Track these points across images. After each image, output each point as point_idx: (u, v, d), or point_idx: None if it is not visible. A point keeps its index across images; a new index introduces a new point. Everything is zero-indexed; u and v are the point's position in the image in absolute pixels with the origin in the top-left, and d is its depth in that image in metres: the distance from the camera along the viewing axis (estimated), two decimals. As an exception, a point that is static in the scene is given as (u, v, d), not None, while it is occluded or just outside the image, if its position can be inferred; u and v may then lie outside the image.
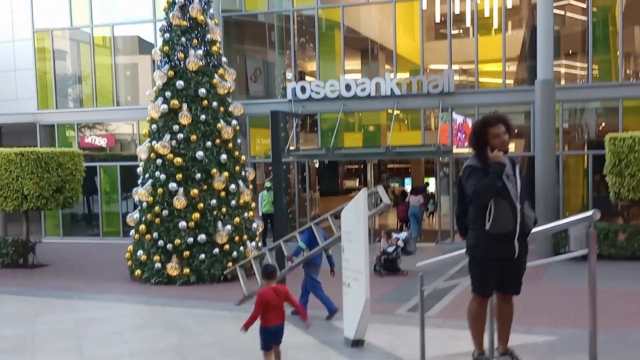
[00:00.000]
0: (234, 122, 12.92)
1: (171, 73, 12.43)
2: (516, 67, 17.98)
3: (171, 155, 12.09)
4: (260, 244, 13.11)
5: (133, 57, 20.87)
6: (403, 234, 12.62)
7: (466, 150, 17.30)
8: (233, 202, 12.38)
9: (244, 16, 19.19)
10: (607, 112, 16.79)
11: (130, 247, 12.62)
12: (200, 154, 12.09)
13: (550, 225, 4.70)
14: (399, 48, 17.35)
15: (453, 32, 17.00)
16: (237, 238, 12.26)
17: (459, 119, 16.98)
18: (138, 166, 13.07)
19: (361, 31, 19.11)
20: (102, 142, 20.10)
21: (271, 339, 5.55)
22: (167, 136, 12.16)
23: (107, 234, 19.61)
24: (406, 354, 6.67)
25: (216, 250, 11.92)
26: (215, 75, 12.69)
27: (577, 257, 4.56)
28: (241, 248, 12.26)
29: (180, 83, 12.29)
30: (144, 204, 12.31)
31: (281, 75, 19.22)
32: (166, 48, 12.57)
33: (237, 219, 12.31)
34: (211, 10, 13.08)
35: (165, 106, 12.30)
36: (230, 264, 11.80)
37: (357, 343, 7.16)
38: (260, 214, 16.29)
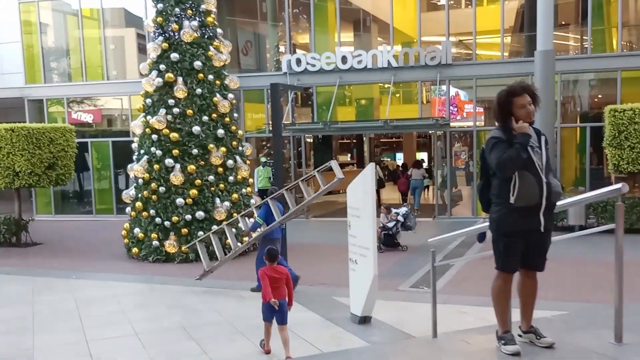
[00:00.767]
0: (230, 95, 12.64)
1: (165, 45, 12.09)
2: (513, 39, 17.75)
3: (167, 130, 11.82)
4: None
5: (120, 29, 20.36)
6: (402, 209, 12.50)
7: (461, 123, 17.17)
8: (231, 178, 12.18)
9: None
10: (605, 84, 16.65)
11: (127, 225, 12.41)
12: (196, 128, 11.83)
13: (578, 197, 4.56)
14: (395, 19, 17.02)
15: (450, 2, 16.67)
16: (235, 214, 12.06)
17: (451, 91, 16.80)
18: (131, 142, 12.78)
19: (357, 2, 18.72)
20: (88, 117, 19.70)
21: (272, 312, 5.90)
22: (163, 110, 11.88)
23: (100, 212, 19.34)
24: (415, 331, 6.59)
25: (215, 227, 11.71)
26: (211, 47, 12.36)
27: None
28: (240, 224, 12.06)
29: (175, 55, 11.96)
30: (140, 181, 12.06)
31: (274, 48, 18.85)
32: (160, 19, 12.20)
33: (235, 195, 12.12)
34: (205, -20, 12.67)
35: (159, 79, 11.98)
36: (228, 241, 11.62)
37: (365, 320, 7.07)
38: (257, 190, 16.11)
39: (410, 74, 16.55)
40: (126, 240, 12.35)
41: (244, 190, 12.47)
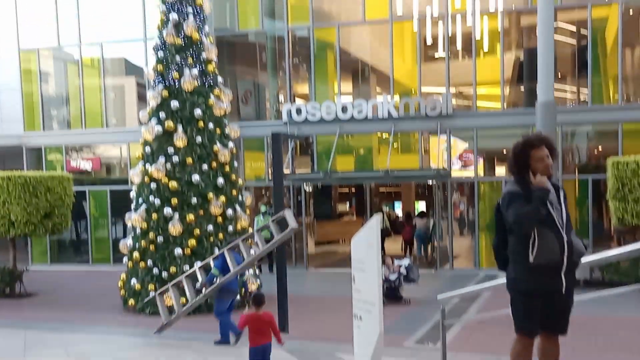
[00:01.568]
0: (231, 144, 12.55)
1: (165, 93, 12.04)
2: (513, 90, 17.85)
3: (166, 179, 11.66)
4: (257, 272, 12.65)
5: (120, 78, 20.49)
6: (405, 261, 12.23)
7: (465, 174, 17.07)
8: (230, 228, 11.95)
9: (236, 36, 18.92)
10: (606, 136, 16.64)
11: (123, 276, 12.10)
12: (196, 177, 11.67)
13: (604, 255, 4.35)
14: (395, 69, 17.14)
15: (450, 54, 16.82)
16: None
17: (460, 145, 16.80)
18: (129, 190, 12.60)
19: (357, 52, 18.90)
20: (87, 165, 19.58)
21: (258, 356, 6.17)
22: (162, 159, 11.74)
23: (97, 261, 18.96)
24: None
25: (213, 278, 11.42)
26: (211, 96, 12.33)
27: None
28: (239, 276, 11.76)
29: (175, 104, 11.90)
30: (138, 230, 11.83)
31: (274, 97, 18.93)
32: (160, 67, 12.20)
33: (234, 245, 11.85)
34: (206, 28, 12.74)
35: (159, 128, 11.89)
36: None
37: (371, 379, 6.72)
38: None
39: (410, 124, 16.55)
40: (122, 292, 12.01)
41: (243, 240, 12.20)
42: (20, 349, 8.82)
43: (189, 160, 11.75)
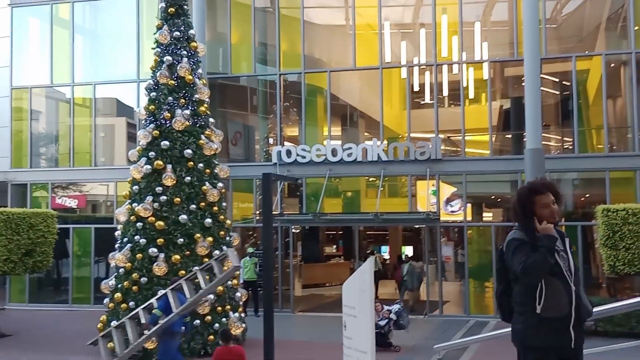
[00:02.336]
0: (220, 184, 12.43)
1: (156, 132, 11.98)
2: (501, 137, 18.04)
3: (153, 218, 11.48)
4: (243, 315, 12.36)
5: (111, 118, 20.48)
6: (395, 306, 11.99)
7: (454, 218, 17.03)
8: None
9: (228, 79, 19.06)
10: (593, 183, 16.75)
11: (104, 317, 11.74)
12: (183, 217, 11.51)
13: (613, 305, 4.22)
14: (385, 115, 17.28)
15: (439, 100, 17.02)
16: (219, 308, 11.51)
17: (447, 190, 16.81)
18: (114, 229, 12.38)
19: (347, 97, 19.10)
20: (72, 203, 19.31)
21: None
22: (149, 198, 11.59)
23: (77, 301, 18.46)
24: None
25: (197, 321, 11.13)
26: (202, 136, 12.29)
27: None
28: (224, 319, 11.48)
29: (165, 143, 11.84)
30: (121, 270, 11.56)
31: (264, 139, 18.96)
32: (152, 107, 12.18)
33: (220, 288, 11.59)
34: (200, 70, 12.83)
35: (148, 166, 11.78)
36: (212, 336, 11.02)
37: None
38: (242, 281, 15.57)
39: (400, 168, 16.58)
40: (102, 334, 11.61)
41: (229, 282, 11.97)
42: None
43: (177, 199, 11.61)
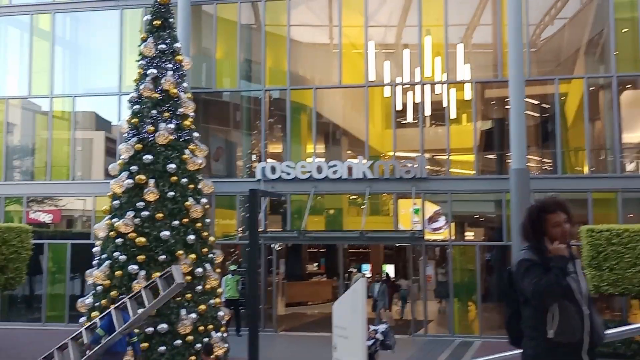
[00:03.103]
0: (204, 200, 12.13)
1: (139, 146, 11.65)
2: (486, 157, 18.08)
3: (134, 234, 11.10)
4: (226, 335, 12.01)
5: (89, 132, 20.09)
6: (382, 326, 11.71)
7: (438, 237, 16.93)
8: (199, 288, 11.36)
9: (212, 94, 18.84)
10: (575, 204, 16.80)
11: (80, 336, 11.28)
12: (165, 233, 11.16)
13: (623, 329, 4.08)
14: (370, 133, 17.22)
15: (424, 121, 17.02)
16: (201, 328, 11.14)
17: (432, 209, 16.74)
18: (92, 245, 11.99)
19: (332, 115, 19.02)
20: (47, 218, 18.76)
21: None
22: (130, 213, 11.22)
23: (50, 319, 17.86)
24: None
25: (178, 341, 10.73)
26: (186, 151, 11.98)
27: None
28: (205, 339, 11.11)
29: (148, 157, 11.50)
30: (99, 288, 11.14)
31: (247, 156, 18.73)
32: (135, 120, 11.86)
33: (202, 306, 11.24)
34: (185, 84, 12.59)
35: (130, 181, 11.43)
36: (193, 358, 10.65)
37: None
38: (224, 300, 15.20)
39: (385, 185, 16.48)
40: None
41: (211, 300, 11.63)
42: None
43: (159, 215, 11.27)
